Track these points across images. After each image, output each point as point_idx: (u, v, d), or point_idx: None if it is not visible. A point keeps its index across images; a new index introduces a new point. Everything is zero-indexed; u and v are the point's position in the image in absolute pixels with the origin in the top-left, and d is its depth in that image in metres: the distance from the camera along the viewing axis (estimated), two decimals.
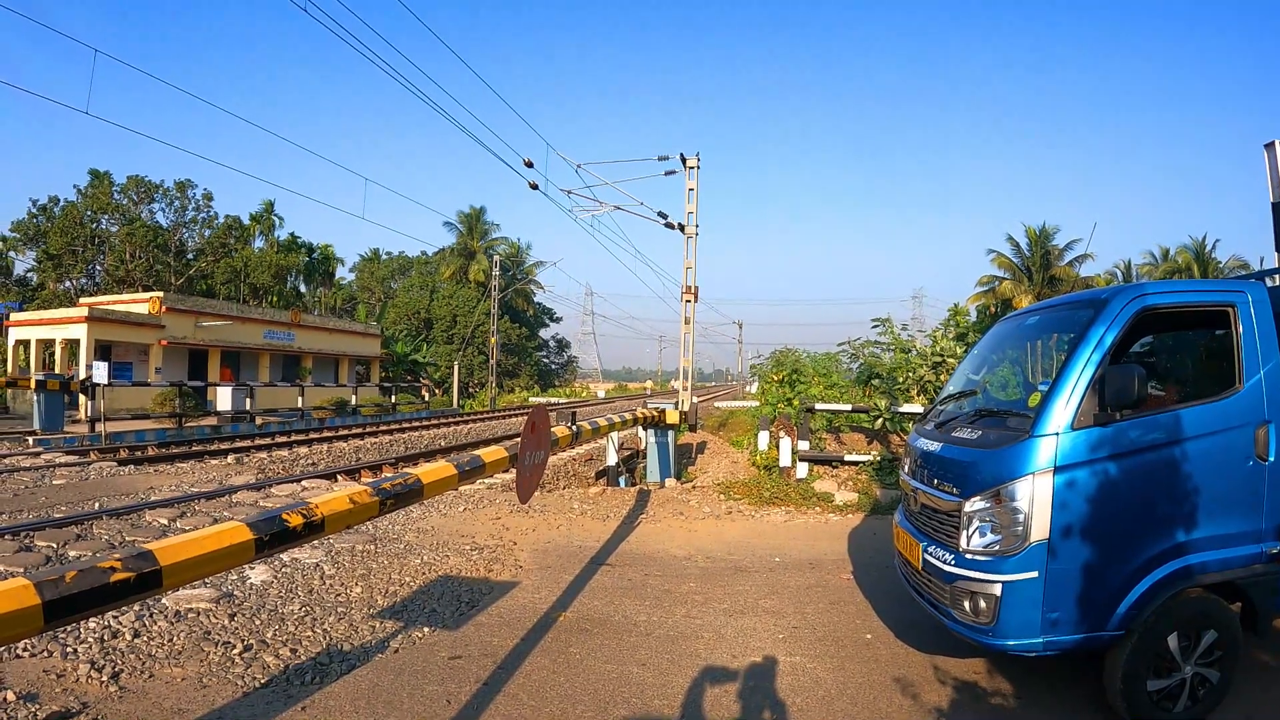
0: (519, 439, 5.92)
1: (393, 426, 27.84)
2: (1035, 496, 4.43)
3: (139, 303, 36.22)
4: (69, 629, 5.79)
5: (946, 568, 4.89)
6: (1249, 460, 4.68)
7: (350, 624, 6.44)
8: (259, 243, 62.50)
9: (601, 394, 74.44)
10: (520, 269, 72.08)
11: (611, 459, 16.22)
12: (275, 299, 59.61)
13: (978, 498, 4.72)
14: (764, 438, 15.43)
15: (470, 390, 63.15)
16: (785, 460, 13.95)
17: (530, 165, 18.84)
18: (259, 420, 28.28)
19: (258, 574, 7.63)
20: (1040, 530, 4.41)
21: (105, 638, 5.75)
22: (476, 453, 6.14)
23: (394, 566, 8.22)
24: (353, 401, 36.40)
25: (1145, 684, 4.49)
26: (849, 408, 15.55)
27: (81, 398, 26.33)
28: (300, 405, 32.16)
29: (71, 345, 33.58)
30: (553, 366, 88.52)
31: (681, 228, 18.44)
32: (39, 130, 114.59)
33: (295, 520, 3.67)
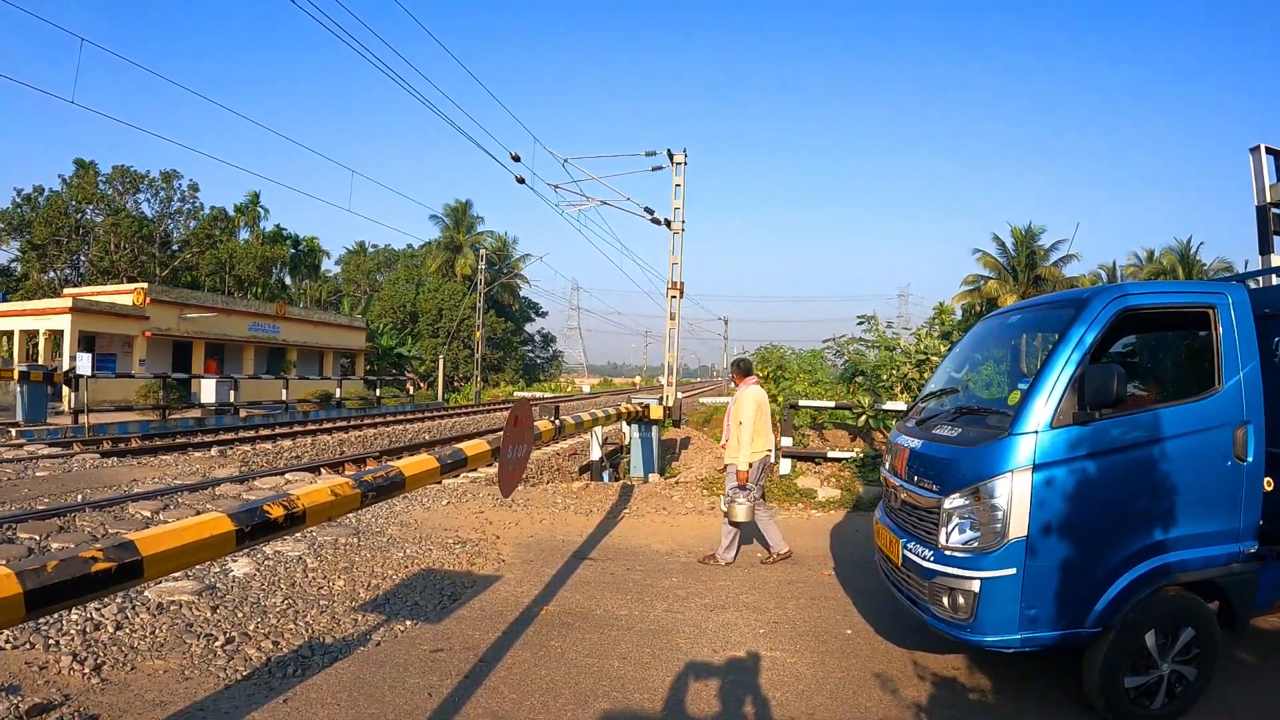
0: (502, 433, 5.92)
1: (377, 420, 27.78)
2: (1014, 494, 4.46)
3: (123, 294, 36.00)
4: (51, 621, 5.78)
5: (926, 564, 4.92)
6: (1227, 460, 4.72)
7: (332, 617, 6.45)
8: (244, 234, 62.17)
9: (586, 389, 74.35)
10: (506, 263, 71.98)
11: (595, 454, 16.21)
12: (260, 291, 59.27)
13: (957, 495, 4.75)
14: None
15: (455, 384, 63.00)
16: None
17: (517, 159, 18.84)
18: (243, 413, 28.12)
19: (240, 567, 7.61)
20: (1019, 527, 4.44)
21: (87, 630, 5.74)
22: (459, 446, 6.14)
23: (377, 560, 8.22)
24: (337, 395, 36.24)
25: (1123, 681, 4.53)
26: (833, 404, 15.62)
27: (65, 389, 26.14)
28: (284, 398, 31.96)
29: (55, 336, 33.36)
30: (538, 361, 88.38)
31: (668, 223, 18.46)
32: (24, 119, 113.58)
33: (276, 512, 3.67)
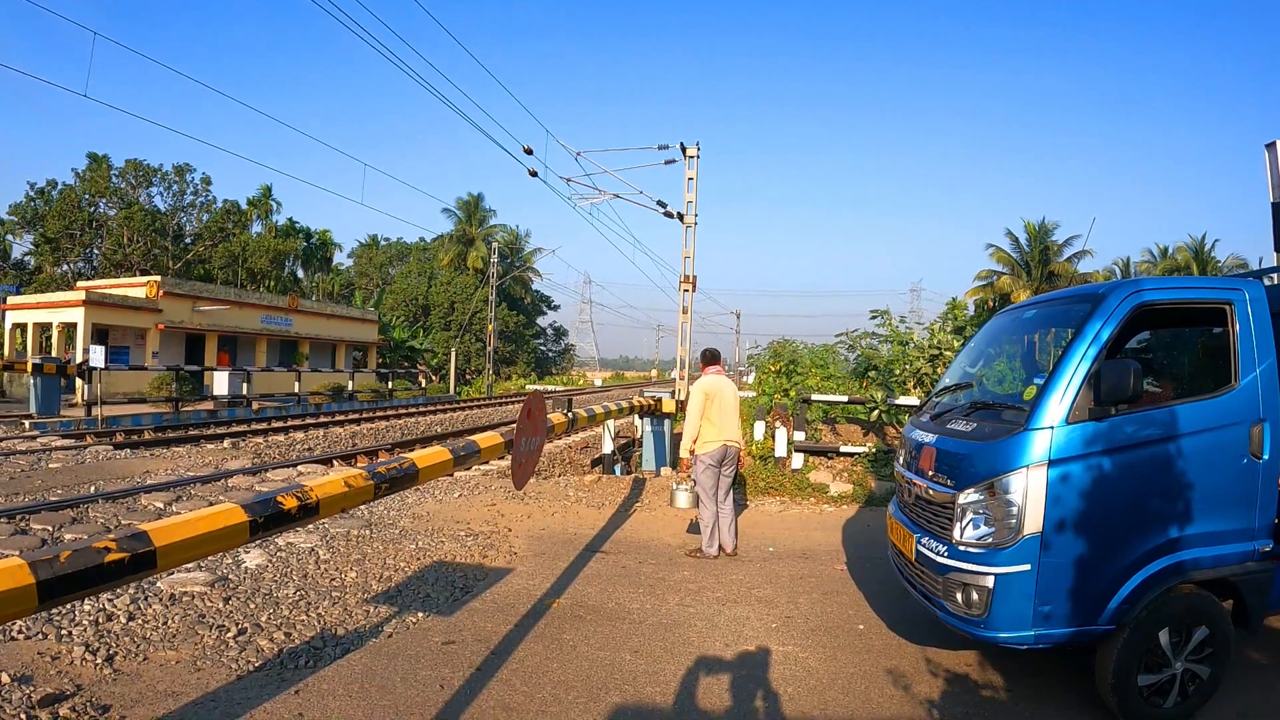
0: (515, 425, 5.92)
1: (389, 412, 27.88)
2: (1029, 490, 4.43)
3: (136, 287, 36.17)
4: (63, 612, 5.80)
5: (939, 559, 4.90)
6: (1243, 458, 4.68)
7: (344, 608, 6.46)
8: (257, 227, 62.34)
9: (598, 382, 74.44)
10: (518, 256, 72.05)
11: (607, 447, 16.24)
12: (273, 284, 59.48)
13: (971, 490, 4.73)
14: (760, 428, 15.44)
15: (467, 377, 63.15)
16: (781, 451, 13.95)
17: (530, 152, 18.80)
18: (255, 405, 28.25)
19: (253, 558, 7.63)
20: (1034, 523, 4.42)
21: (99, 621, 5.76)
22: (472, 438, 6.14)
23: (389, 552, 8.24)
24: (349, 387, 36.36)
25: (1136, 679, 4.50)
26: (845, 399, 15.58)
27: (78, 381, 26.26)
28: (297, 390, 32.11)
29: (68, 329, 33.56)
30: (550, 354, 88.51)
31: (680, 217, 18.41)
32: (37, 113, 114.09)
33: (290, 503, 3.68)
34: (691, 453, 8.63)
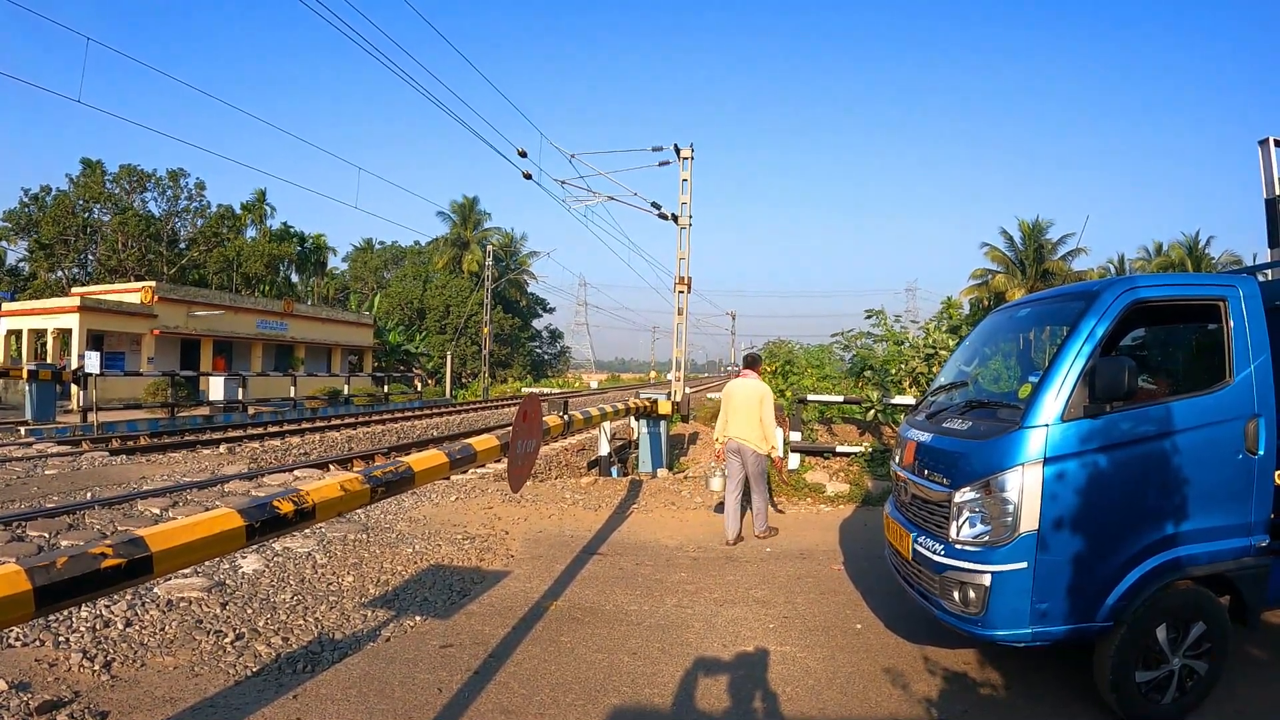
0: (511, 428, 5.91)
1: (385, 416, 27.83)
2: (1025, 487, 4.44)
3: (131, 292, 36.16)
4: (61, 618, 5.79)
5: (936, 558, 4.90)
6: (1238, 454, 4.68)
7: (342, 613, 6.45)
8: (251, 232, 62.24)
9: (594, 385, 74.36)
10: (514, 259, 72.07)
11: (604, 449, 16.20)
12: (268, 289, 59.36)
13: (967, 488, 4.73)
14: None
15: (463, 380, 63.09)
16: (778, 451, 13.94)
17: (524, 155, 18.81)
18: (251, 410, 28.19)
19: (250, 563, 7.62)
20: (1030, 521, 4.42)
21: (97, 627, 5.75)
22: (468, 441, 6.14)
23: (386, 556, 8.23)
24: (345, 391, 36.30)
25: (1134, 675, 4.50)
26: (841, 399, 15.56)
27: (73, 388, 26.23)
28: (293, 395, 32.05)
29: (64, 335, 33.52)
30: (546, 357, 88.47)
31: (675, 218, 18.42)
32: (31, 118, 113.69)
33: (286, 507, 3.67)
34: (718, 441, 9.62)
